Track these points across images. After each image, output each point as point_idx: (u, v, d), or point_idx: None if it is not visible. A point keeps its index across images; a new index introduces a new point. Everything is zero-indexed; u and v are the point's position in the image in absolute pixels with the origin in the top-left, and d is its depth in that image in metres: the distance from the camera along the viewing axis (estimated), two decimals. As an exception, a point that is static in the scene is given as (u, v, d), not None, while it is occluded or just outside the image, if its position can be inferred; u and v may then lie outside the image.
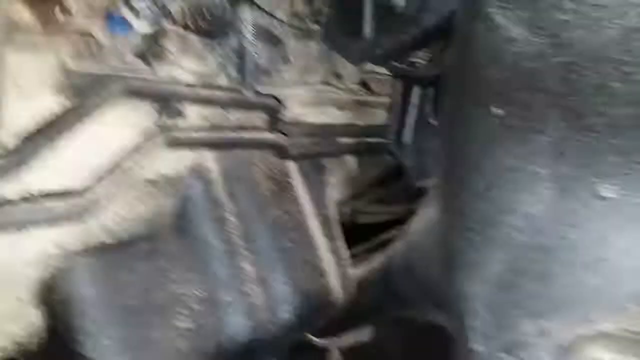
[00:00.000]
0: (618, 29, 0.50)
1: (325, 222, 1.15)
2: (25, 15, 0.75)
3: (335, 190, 1.24)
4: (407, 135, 1.26)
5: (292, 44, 1.21)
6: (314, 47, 1.25)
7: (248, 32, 0.86)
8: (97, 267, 0.80)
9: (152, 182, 0.86)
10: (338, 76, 1.33)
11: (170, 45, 0.89)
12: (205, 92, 0.81)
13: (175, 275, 0.87)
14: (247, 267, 0.97)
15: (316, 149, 1.14)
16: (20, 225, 0.54)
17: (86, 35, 0.80)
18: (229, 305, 0.92)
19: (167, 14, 0.85)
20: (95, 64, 0.78)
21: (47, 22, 0.77)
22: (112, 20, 0.79)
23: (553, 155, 0.58)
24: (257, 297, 0.97)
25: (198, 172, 0.95)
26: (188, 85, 0.79)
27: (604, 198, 0.57)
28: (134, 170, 0.66)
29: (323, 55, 1.28)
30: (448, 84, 0.71)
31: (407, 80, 1.22)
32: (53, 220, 0.56)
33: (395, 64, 1.16)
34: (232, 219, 0.98)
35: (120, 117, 0.79)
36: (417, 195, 1.33)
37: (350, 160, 1.31)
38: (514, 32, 0.57)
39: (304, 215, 1.10)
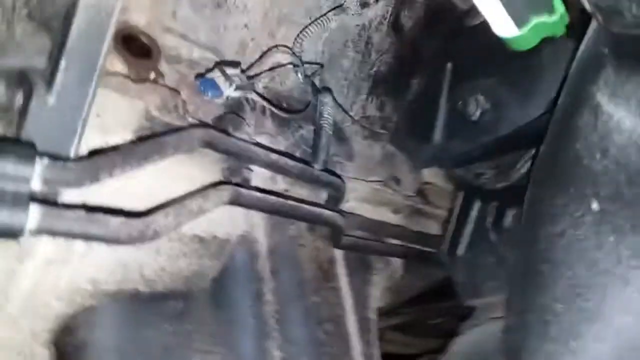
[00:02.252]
0: None
1: (364, 323, 1.05)
2: (119, 69, 0.77)
3: (378, 293, 1.14)
4: (462, 249, 1.18)
5: (358, 144, 1.21)
6: (378, 149, 1.25)
7: (328, 115, 0.86)
8: (123, 315, 0.73)
9: (200, 240, 0.81)
10: (397, 181, 1.30)
11: (248, 118, 0.89)
12: (276, 158, 0.78)
13: (199, 343, 0.78)
14: (275, 351, 0.86)
15: (368, 243, 1.07)
16: (72, 233, 0.49)
17: (174, 92, 0.81)
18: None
19: (253, 88, 0.86)
20: (178, 118, 0.78)
21: (140, 78, 0.79)
22: (204, 81, 0.80)
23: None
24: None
25: (246, 242, 0.90)
26: (264, 150, 0.77)
27: None
28: (193, 213, 0.61)
29: (385, 159, 1.27)
30: (537, 177, 0.65)
31: (469, 191, 1.17)
32: (105, 236, 0.51)
33: (461, 172, 1.13)
34: (270, 297, 0.90)
35: (191, 166, 0.77)
36: (462, 313, 1.21)
37: (398, 265, 1.23)
38: (624, 122, 0.52)
39: (343, 309, 1.01)
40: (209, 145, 0.68)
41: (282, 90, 1.01)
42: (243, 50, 0.96)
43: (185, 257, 0.79)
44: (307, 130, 1.03)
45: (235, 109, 0.83)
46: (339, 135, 1.17)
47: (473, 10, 1.17)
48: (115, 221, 0.52)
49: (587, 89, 0.55)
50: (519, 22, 0.81)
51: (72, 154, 0.56)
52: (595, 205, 0.56)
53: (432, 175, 1.36)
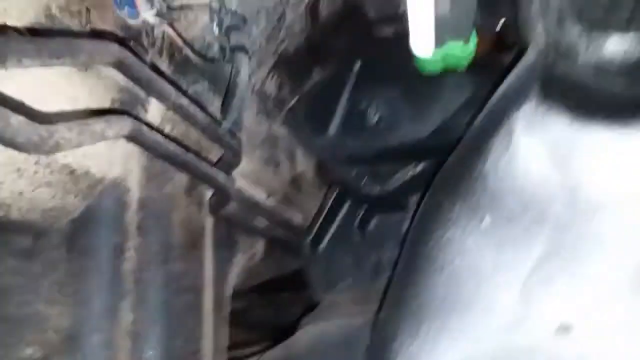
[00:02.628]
0: None
1: (219, 300, 1.00)
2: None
3: (237, 271, 1.11)
4: (324, 243, 1.21)
5: (249, 116, 1.17)
6: (265, 127, 1.22)
7: (245, 74, 0.80)
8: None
9: (70, 172, 0.70)
10: (276, 164, 1.28)
11: (153, 51, 0.80)
12: (186, 103, 0.71)
13: (45, 290, 0.67)
14: (126, 313, 0.78)
15: (241, 219, 1.04)
16: None
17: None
18: (88, 351, 0.71)
19: (172, 19, 0.78)
20: (77, 27, 0.66)
21: None
22: None
23: (528, 274, 0.57)
24: (120, 353, 0.77)
25: (118, 187, 0.79)
26: (176, 90, 0.69)
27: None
28: (94, 136, 0.52)
29: (269, 139, 1.24)
30: (438, 185, 0.70)
31: (343, 189, 1.21)
32: (3, 136, 0.40)
33: (342, 170, 1.15)
34: (132, 253, 0.81)
35: (82, 83, 0.66)
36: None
37: (260, 248, 1.20)
38: (531, 155, 0.57)
39: (203, 282, 0.95)
40: (120, 66, 0.59)
41: (195, 31, 0.93)
42: None
43: (49, 187, 0.67)
44: (202, 86, 0.95)
45: (146, 35, 0.74)
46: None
47: (382, 22, 1.23)
48: (18, 119, 0.41)
49: (507, 114, 0.60)
50: (438, 41, 0.87)
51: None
52: (487, 220, 0.61)
53: (308, 166, 1.38)
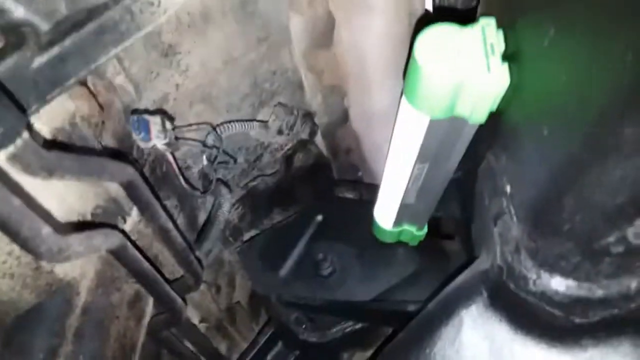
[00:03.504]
0: None
1: None
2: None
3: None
4: None
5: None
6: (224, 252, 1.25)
7: (225, 211, 0.86)
8: None
9: (36, 267, 0.69)
10: (218, 289, 1.29)
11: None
12: (171, 226, 0.74)
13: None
14: None
15: (171, 343, 1.01)
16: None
17: (102, 110, 0.76)
18: None
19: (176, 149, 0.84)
20: (92, 138, 0.71)
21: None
22: (140, 120, 0.78)
23: None
24: None
25: (69, 288, 0.78)
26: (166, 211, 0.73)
27: None
28: (93, 247, 0.53)
29: (216, 264, 1.26)
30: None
31: (280, 331, 1.21)
32: (27, 243, 0.41)
33: (286, 312, 1.16)
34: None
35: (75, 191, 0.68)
36: None
37: None
38: (479, 354, 0.64)
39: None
40: (128, 186, 0.63)
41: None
42: (161, 102, 0.94)
43: (11, 279, 0.65)
44: (171, 203, 0.99)
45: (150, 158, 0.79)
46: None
47: (343, 185, 1.36)
48: (47, 231, 0.43)
49: (457, 309, 0.68)
50: (397, 221, 0.98)
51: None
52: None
53: (245, 297, 1.39)
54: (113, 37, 0.61)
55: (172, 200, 0.97)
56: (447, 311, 0.69)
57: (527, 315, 0.58)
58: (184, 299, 0.88)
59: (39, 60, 0.50)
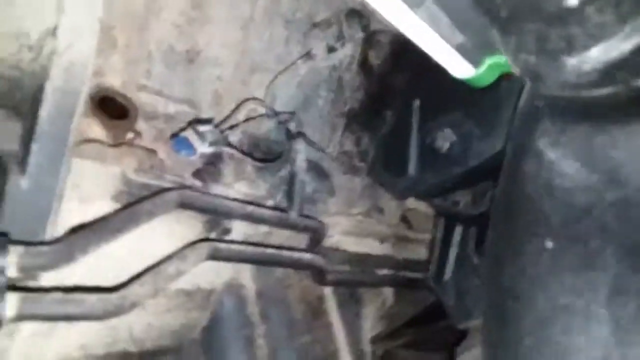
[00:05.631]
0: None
1: (358, 356, 1.04)
2: (98, 132, 0.78)
3: (370, 324, 1.14)
4: (448, 273, 1.18)
5: (339, 179, 1.22)
6: (358, 182, 1.26)
7: (301, 161, 0.87)
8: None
9: (186, 293, 0.81)
10: (380, 210, 1.31)
11: (227, 168, 0.90)
12: (252, 209, 0.79)
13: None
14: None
15: (354, 277, 1.07)
16: (51, 316, 0.50)
17: (151, 152, 0.82)
18: None
19: (227, 142, 0.87)
20: (155, 178, 0.79)
21: (117, 140, 0.80)
22: (177, 140, 0.81)
23: (611, 295, 0.50)
24: None
25: (233, 288, 0.90)
26: (236, 201, 0.78)
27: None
28: (171, 277, 0.62)
29: (366, 190, 1.28)
30: (496, 217, 0.66)
31: (449, 217, 1.18)
32: (83, 314, 0.52)
33: (438, 202, 1.13)
34: (261, 341, 0.90)
35: (170, 226, 0.77)
36: (457, 337, 1.21)
37: (388, 294, 1.22)
38: (566, 167, 0.53)
39: (336, 345, 1.00)
40: (184, 205, 0.69)
41: (259, 134, 1.02)
42: (218, 101, 0.97)
43: (171, 312, 0.79)
44: (285, 171, 1.03)
45: (214, 159, 0.84)
46: (319, 172, 1.18)
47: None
48: (92, 299, 0.52)
49: (529, 138, 0.56)
50: (475, 63, 0.83)
51: (47, 235, 0.57)
52: (549, 244, 0.56)
53: (414, 201, 1.37)
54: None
55: (267, 173, 1.01)
56: (521, 146, 0.59)
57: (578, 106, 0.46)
58: (318, 252, 0.92)
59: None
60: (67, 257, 0.53)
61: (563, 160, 0.53)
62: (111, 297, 0.55)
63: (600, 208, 0.51)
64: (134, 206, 0.63)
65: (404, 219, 1.33)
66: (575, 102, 0.45)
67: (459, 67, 0.85)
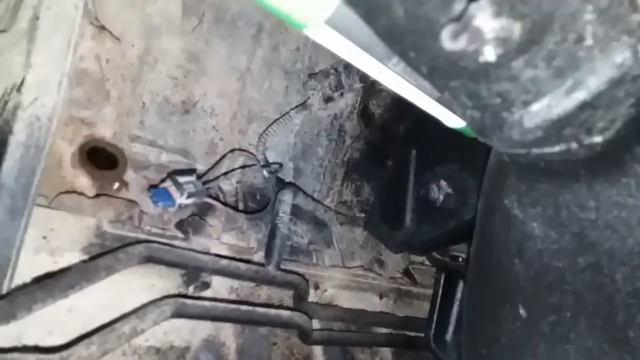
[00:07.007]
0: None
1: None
2: (83, 182, 0.78)
3: (365, 387, 1.07)
4: (450, 332, 1.11)
5: (337, 229, 1.19)
6: (359, 233, 1.22)
7: (284, 213, 0.84)
8: None
9: (156, 351, 0.78)
10: (382, 263, 1.26)
11: (215, 219, 0.89)
12: (226, 263, 0.76)
13: None
14: None
15: (346, 336, 1.02)
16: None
17: (131, 203, 0.81)
18: None
19: (207, 193, 0.86)
20: (131, 230, 0.77)
21: (103, 190, 0.79)
22: (156, 192, 0.80)
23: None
24: None
25: (212, 346, 0.86)
26: (212, 256, 0.76)
27: None
28: (126, 337, 0.59)
29: (368, 242, 1.24)
30: (470, 280, 0.61)
31: (449, 273, 1.12)
32: None
33: (438, 256, 1.08)
34: (241, 404, 0.85)
35: (150, 278, 0.75)
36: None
37: (386, 354, 1.15)
38: (535, 229, 0.49)
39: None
40: (150, 259, 0.67)
41: (255, 184, 1.01)
42: (213, 150, 0.97)
43: (140, 372, 0.75)
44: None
45: (206, 209, 0.83)
46: (316, 223, 1.15)
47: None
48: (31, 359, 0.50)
49: (497, 195, 0.53)
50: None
51: (4, 289, 0.56)
52: (522, 311, 0.51)
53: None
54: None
55: (260, 223, 0.98)
56: (490, 203, 0.55)
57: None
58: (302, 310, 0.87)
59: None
60: (9, 315, 0.51)
61: (532, 221, 0.49)
62: (52, 358, 0.52)
63: (573, 274, 0.46)
64: (93, 260, 0.61)
65: (408, 274, 1.27)
66: (534, 159, 0.41)
67: (448, 117, 0.82)
